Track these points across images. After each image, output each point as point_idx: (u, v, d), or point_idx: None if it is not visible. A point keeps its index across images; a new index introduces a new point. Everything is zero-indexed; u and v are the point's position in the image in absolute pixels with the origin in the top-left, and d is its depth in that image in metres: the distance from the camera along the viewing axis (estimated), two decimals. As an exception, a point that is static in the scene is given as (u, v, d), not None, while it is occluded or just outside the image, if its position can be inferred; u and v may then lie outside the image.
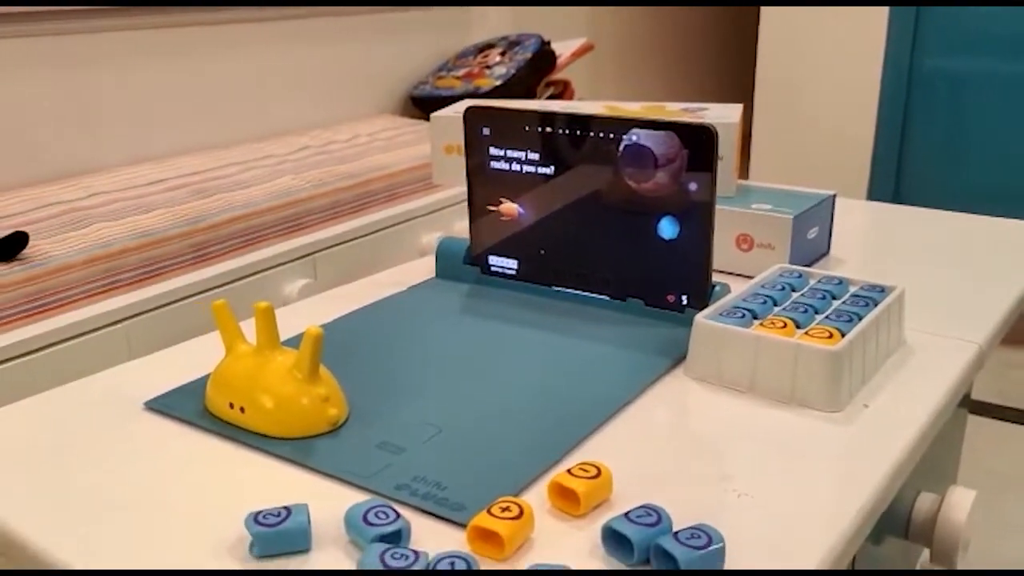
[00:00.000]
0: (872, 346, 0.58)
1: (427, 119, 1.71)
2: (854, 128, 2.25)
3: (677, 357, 0.61)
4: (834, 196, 0.83)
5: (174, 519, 0.45)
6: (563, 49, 1.96)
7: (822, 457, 0.50)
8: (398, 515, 0.42)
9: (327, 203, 1.32)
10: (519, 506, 0.42)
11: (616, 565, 0.41)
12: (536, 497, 0.46)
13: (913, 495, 0.66)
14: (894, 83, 2.16)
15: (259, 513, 0.42)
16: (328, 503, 0.46)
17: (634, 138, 0.64)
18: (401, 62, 1.98)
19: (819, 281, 0.66)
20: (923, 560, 0.77)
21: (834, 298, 0.63)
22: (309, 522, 0.42)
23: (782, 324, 0.58)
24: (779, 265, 0.68)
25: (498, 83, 1.81)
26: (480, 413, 0.54)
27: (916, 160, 2.20)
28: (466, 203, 0.74)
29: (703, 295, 0.65)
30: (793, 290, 0.64)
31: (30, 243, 1.03)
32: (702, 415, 0.55)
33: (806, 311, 0.60)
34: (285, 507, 0.43)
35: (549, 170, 0.69)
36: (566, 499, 0.45)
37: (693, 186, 0.63)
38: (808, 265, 0.80)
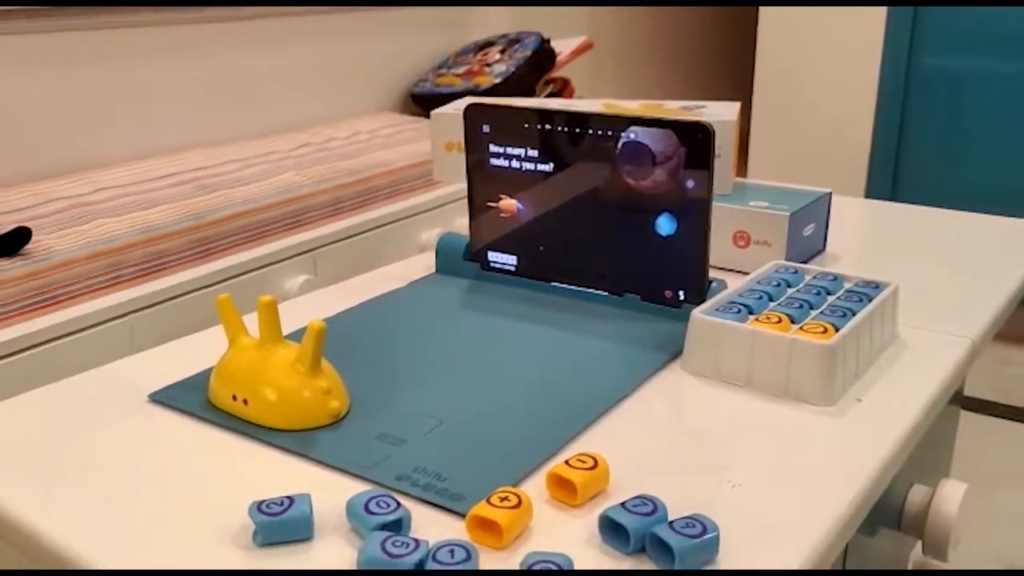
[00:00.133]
0: (866, 341, 0.59)
1: (427, 116, 1.72)
2: (852, 127, 2.26)
3: (674, 352, 0.62)
4: (830, 194, 0.84)
5: (178, 508, 0.46)
6: (563, 47, 1.97)
7: (816, 449, 0.51)
8: (399, 504, 0.43)
9: (328, 199, 1.33)
10: (518, 496, 0.43)
11: (612, 553, 0.42)
12: (534, 488, 0.47)
13: (906, 487, 0.67)
14: (892, 82, 2.17)
15: (262, 502, 0.43)
16: (330, 493, 0.47)
17: (632, 136, 0.65)
18: (401, 59, 1.99)
19: (814, 277, 0.67)
20: (915, 552, 0.78)
21: (829, 294, 0.64)
22: (311, 511, 0.43)
23: (777, 319, 0.59)
24: (775, 261, 0.69)
25: (498, 81, 1.82)
26: (479, 406, 0.55)
27: (913, 159, 2.21)
28: (466, 200, 0.75)
29: (700, 291, 0.66)
30: (788, 286, 0.65)
31: (33, 238, 1.04)
32: (698, 408, 0.55)
33: (801, 306, 0.61)
34: (288, 496, 0.44)
35: (548, 167, 0.70)
36: (564, 489, 0.46)
37: (690, 183, 0.64)
38: (804, 262, 0.80)
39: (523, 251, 0.74)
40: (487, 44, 1.99)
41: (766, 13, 2.33)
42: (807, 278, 0.67)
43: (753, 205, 0.78)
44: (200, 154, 1.46)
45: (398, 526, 0.43)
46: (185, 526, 0.44)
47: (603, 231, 0.69)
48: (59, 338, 0.98)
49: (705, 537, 0.41)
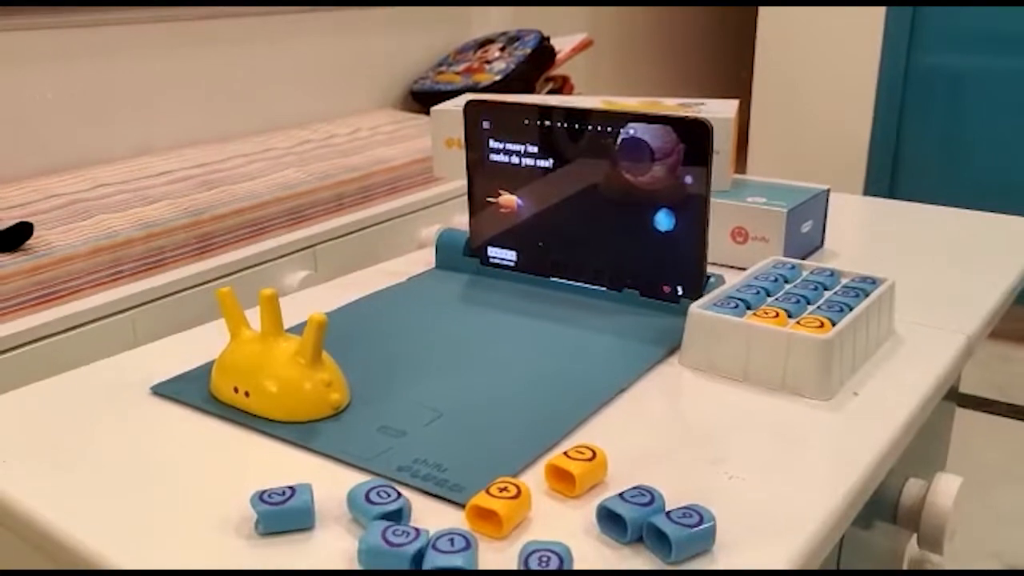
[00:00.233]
0: (862, 335, 0.59)
1: (427, 113, 1.72)
2: (851, 125, 2.27)
3: (672, 346, 0.63)
4: (828, 190, 0.84)
5: (181, 498, 0.46)
6: (562, 45, 1.97)
7: (812, 442, 0.51)
8: (399, 494, 0.44)
9: (329, 196, 1.33)
10: (517, 486, 0.44)
11: (610, 543, 0.43)
12: (533, 479, 0.48)
13: (902, 481, 0.68)
14: (891, 80, 2.17)
15: (264, 492, 0.44)
16: (331, 484, 0.47)
17: (631, 132, 0.66)
18: (402, 57, 1.99)
19: (811, 273, 0.67)
20: (911, 546, 0.79)
21: (826, 289, 0.65)
22: (313, 501, 0.44)
23: (774, 314, 0.59)
24: (773, 257, 0.70)
25: (497, 78, 1.82)
26: (479, 399, 0.56)
27: (912, 156, 2.22)
28: (466, 197, 0.75)
29: (698, 286, 0.67)
30: (786, 281, 0.66)
31: (35, 234, 1.05)
32: (696, 402, 0.56)
33: (798, 301, 0.61)
34: (290, 486, 0.44)
35: (547, 163, 0.70)
36: (562, 480, 0.46)
37: (689, 179, 0.64)
38: (802, 258, 0.81)
39: (522, 247, 0.74)
40: (487, 42, 1.99)
41: (766, 11, 2.33)
42: (804, 274, 0.67)
43: (751, 201, 0.79)
44: (201, 150, 1.46)
45: (398, 516, 0.43)
46: (187, 516, 0.45)
47: (602, 227, 0.69)
48: (61, 333, 0.99)
49: (702, 527, 0.41)
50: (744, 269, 0.79)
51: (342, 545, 0.43)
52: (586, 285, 0.72)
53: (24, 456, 0.50)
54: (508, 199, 0.73)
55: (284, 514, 0.43)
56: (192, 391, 0.57)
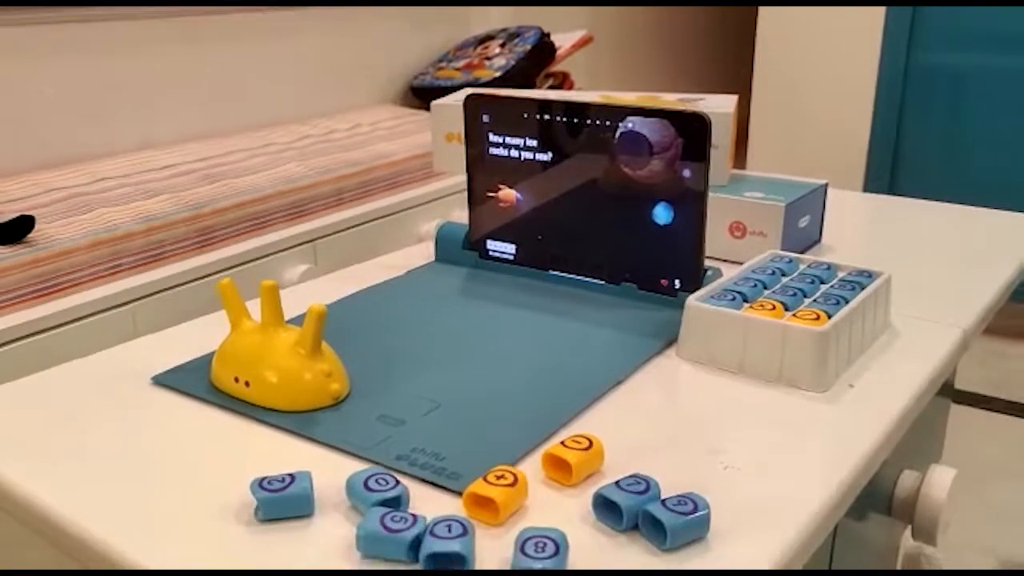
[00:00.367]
0: (858, 328, 0.60)
1: (427, 109, 1.73)
2: (851, 122, 2.27)
3: (669, 339, 0.63)
4: (826, 185, 0.85)
5: (182, 486, 0.47)
6: (563, 41, 1.98)
7: (807, 433, 0.52)
8: (397, 482, 0.44)
9: (329, 190, 1.33)
10: (514, 474, 0.44)
11: (606, 531, 0.43)
12: (531, 468, 0.48)
13: (896, 473, 0.68)
14: (890, 78, 2.18)
15: (264, 479, 0.44)
16: (330, 473, 0.48)
17: (630, 125, 0.66)
18: (402, 53, 1.99)
19: (808, 266, 0.68)
20: (907, 539, 0.79)
21: (822, 283, 0.65)
22: (312, 488, 0.44)
23: (771, 307, 0.59)
24: (770, 251, 0.70)
25: (498, 75, 1.83)
26: (478, 389, 0.56)
27: (911, 154, 2.22)
28: (465, 192, 0.76)
29: (695, 279, 0.67)
30: (783, 275, 0.66)
31: (36, 227, 1.05)
32: (692, 393, 0.56)
33: (795, 294, 0.62)
34: (289, 474, 0.45)
35: (547, 157, 0.71)
36: (559, 469, 0.47)
37: (687, 173, 0.65)
38: (800, 252, 0.81)
39: (522, 240, 0.75)
40: (487, 38, 2.00)
41: (766, 9, 2.33)
42: (801, 267, 0.68)
43: (749, 196, 0.79)
44: (202, 145, 1.46)
45: (397, 503, 0.44)
46: (188, 502, 0.45)
47: (600, 220, 0.70)
48: (61, 326, 0.99)
49: (696, 514, 0.42)
50: (742, 264, 0.79)
51: (340, 532, 0.43)
52: (585, 278, 0.73)
53: (26, 443, 0.51)
54: (507, 193, 0.74)
55: (283, 501, 0.43)
56: (193, 381, 0.57)
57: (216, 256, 1.16)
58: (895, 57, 2.16)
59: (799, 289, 0.63)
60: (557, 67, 1.99)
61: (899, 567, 0.82)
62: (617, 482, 0.44)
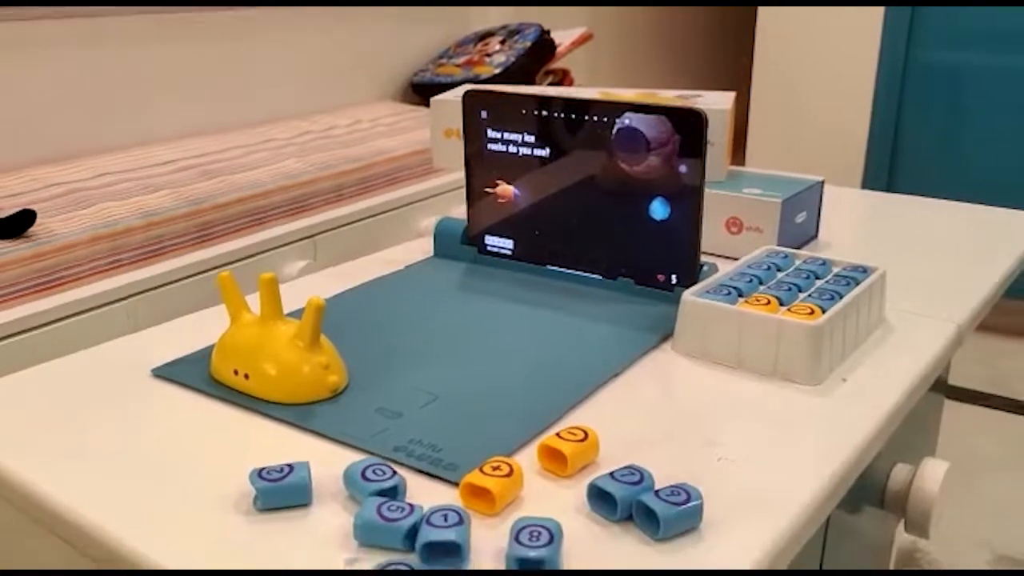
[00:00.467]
0: (852, 323, 0.60)
1: (427, 106, 1.73)
2: (849, 121, 2.28)
3: (666, 333, 0.64)
4: (822, 182, 0.85)
5: (181, 475, 0.47)
6: (563, 38, 1.98)
7: (801, 426, 0.52)
8: (395, 472, 0.45)
9: (329, 186, 1.34)
10: (509, 465, 0.45)
11: (600, 521, 0.43)
12: (526, 460, 0.49)
13: (889, 467, 0.69)
14: (889, 76, 2.18)
15: (263, 469, 0.45)
16: (328, 464, 0.48)
17: (627, 121, 0.67)
18: (402, 50, 2.00)
19: (804, 262, 0.68)
20: (901, 533, 0.79)
21: (817, 278, 0.65)
22: (310, 478, 0.45)
23: (766, 301, 0.60)
24: (766, 246, 0.71)
25: (498, 71, 1.83)
26: (475, 382, 0.56)
27: (909, 152, 2.22)
28: (464, 188, 0.76)
29: (691, 274, 0.67)
30: (779, 270, 0.67)
31: (37, 221, 1.05)
32: (687, 387, 0.57)
33: (790, 289, 0.62)
34: (288, 464, 0.45)
35: (545, 152, 0.71)
36: (554, 460, 0.47)
37: (684, 169, 0.65)
38: (796, 248, 0.82)
39: (520, 235, 0.75)
40: (487, 35, 2.00)
41: (765, 8, 2.34)
42: (797, 263, 0.68)
43: (746, 192, 0.80)
44: (202, 141, 1.47)
45: (394, 492, 0.44)
46: (187, 492, 0.46)
47: (598, 216, 0.70)
48: (61, 320, 1.00)
49: (689, 505, 0.42)
50: (739, 259, 0.80)
51: (338, 521, 0.43)
52: (582, 273, 0.73)
53: (26, 434, 0.51)
54: (505, 189, 0.74)
55: (282, 490, 0.44)
56: (193, 373, 0.58)
57: (216, 251, 1.16)
58: (894, 56, 2.16)
59: (794, 284, 0.63)
60: (557, 64, 2.00)
61: (893, 563, 0.83)
62: (611, 473, 0.44)
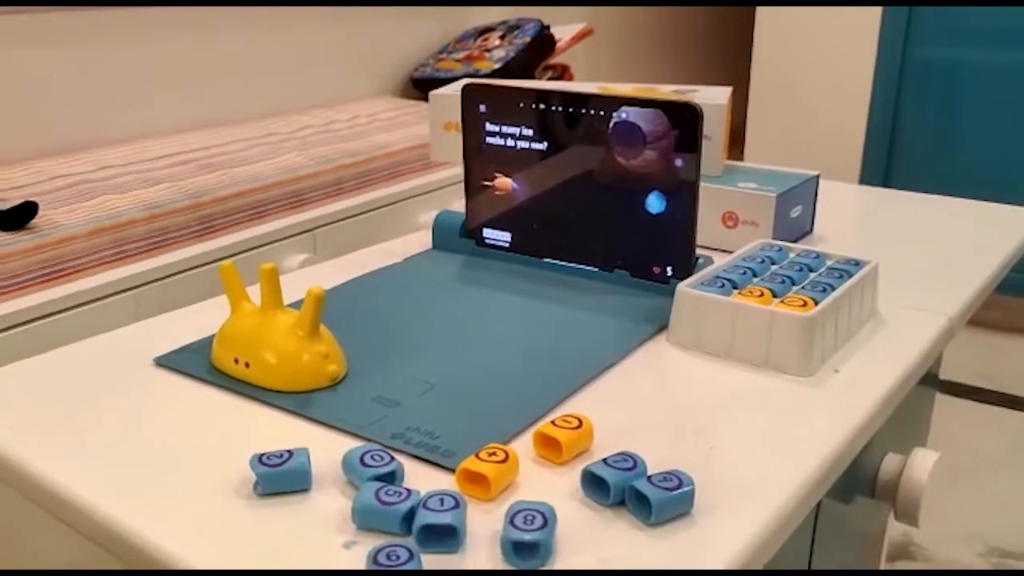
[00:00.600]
0: (844, 315, 0.61)
1: (427, 100, 1.74)
2: (847, 118, 2.28)
3: (661, 324, 0.65)
4: (817, 176, 0.86)
5: (183, 462, 0.48)
6: (562, 33, 1.99)
7: (792, 416, 0.53)
8: (392, 458, 0.46)
9: (329, 180, 1.35)
10: (505, 451, 0.46)
11: (593, 506, 0.44)
12: (522, 447, 0.49)
13: (880, 456, 0.70)
14: (887, 72, 2.19)
15: (263, 455, 0.46)
16: (327, 451, 0.49)
17: (624, 115, 0.67)
18: (402, 45, 2.00)
19: (798, 255, 0.69)
20: (892, 524, 0.80)
21: (811, 271, 0.66)
22: (309, 463, 0.46)
23: (759, 293, 0.61)
24: (761, 240, 0.71)
25: (497, 66, 1.84)
26: (472, 372, 0.57)
27: (906, 149, 2.23)
28: (463, 183, 0.77)
29: (687, 267, 0.68)
30: (773, 263, 0.67)
31: (40, 213, 1.06)
32: (681, 377, 0.58)
33: (783, 282, 0.63)
34: (287, 450, 0.46)
35: (542, 146, 0.72)
36: (549, 448, 0.48)
37: (680, 163, 0.66)
38: (791, 242, 0.83)
39: (517, 228, 0.76)
40: (487, 30, 2.01)
41: (764, 8, 2.34)
42: (791, 256, 0.69)
43: (742, 186, 0.80)
44: (203, 134, 1.48)
45: (391, 478, 0.45)
46: (189, 477, 0.47)
47: (594, 209, 0.71)
48: (64, 311, 1.01)
49: (681, 490, 0.43)
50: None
51: (336, 505, 0.44)
52: (578, 266, 0.74)
53: (30, 421, 0.52)
54: (503, 182, 0.75)
55: (281, 476, 0.45)
56: (194, 362, 0.59)
57: (217, 244, 1.17)
58: (891, 53, 2.17)
59: (787, 277, 0.64)
60: (557, 59, 2.01)
61: (885, 555, 0.83)
62: (605, 459, 0.45)
